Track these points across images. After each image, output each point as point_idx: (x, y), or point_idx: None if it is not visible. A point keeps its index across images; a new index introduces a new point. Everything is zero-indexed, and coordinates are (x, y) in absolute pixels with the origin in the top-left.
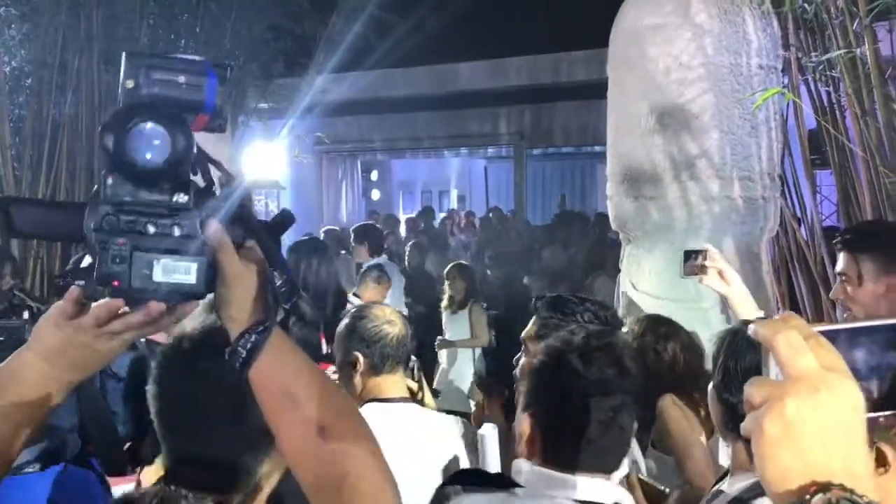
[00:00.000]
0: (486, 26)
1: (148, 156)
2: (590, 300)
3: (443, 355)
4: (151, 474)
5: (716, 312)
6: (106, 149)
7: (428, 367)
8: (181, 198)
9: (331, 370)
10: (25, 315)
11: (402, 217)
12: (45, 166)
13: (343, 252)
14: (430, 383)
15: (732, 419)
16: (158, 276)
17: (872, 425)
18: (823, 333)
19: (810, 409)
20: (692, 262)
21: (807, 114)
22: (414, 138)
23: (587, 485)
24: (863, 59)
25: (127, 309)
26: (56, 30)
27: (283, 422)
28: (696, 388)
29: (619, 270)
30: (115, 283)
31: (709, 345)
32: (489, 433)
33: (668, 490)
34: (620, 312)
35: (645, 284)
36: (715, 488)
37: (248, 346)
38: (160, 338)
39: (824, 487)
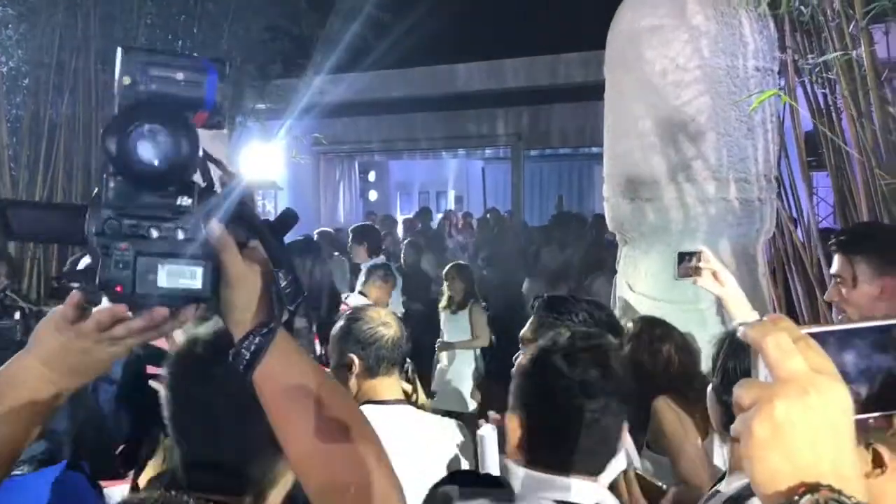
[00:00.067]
0: (484, 28)
1: (151, 160)
2: (585, 300)
3: (443, 355)
4: (147, 476)
5: (712, 314)
6: (108, 152)
7: (423, 366)
8: (185, 200)
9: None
10: (17, 316)
11: (400, 218)
12: (42, 166)
13: (336, 254)
14: (425, 382)
15: (731, 420)
16: (162, 281)
17: (862, 427)
18: (813, 335)
19: (799, 411)
20: (686, 263)
21: (803, 116)
22: (411, 139)
23: (568, 485)
24: (859, 62)
25: (130, 314)
26: (53, 30)
27: (287, 426)
28: (691, 390)
29: (616, 272)
30: (118, 288)
31: (705, 346)
32: (489, 434)
33: (665, 486)
34: (617, 314)
35: (641, 286)
36: (713, 489)
37: (252, 348)
38: (162, 342)
39: (813, 488)
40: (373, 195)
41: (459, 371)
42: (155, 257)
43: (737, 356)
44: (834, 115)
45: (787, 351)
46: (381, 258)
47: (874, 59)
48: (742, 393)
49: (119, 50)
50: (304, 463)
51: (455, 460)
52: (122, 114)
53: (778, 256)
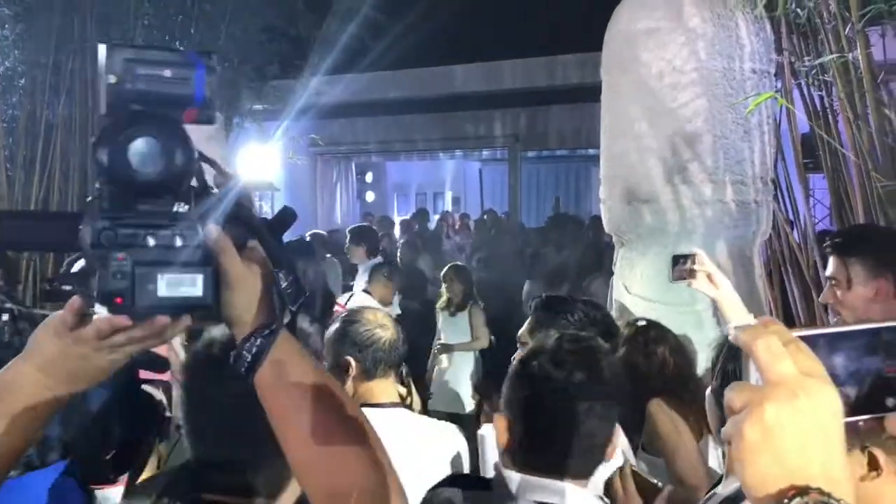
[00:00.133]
0: (481, 29)
1: (147, 171)
2: (581, 300)
3: (442, 357)
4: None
5: (708, 315)
6: (100, 163)
7: (419, 366)
8: (181, 207)
9: None
10: (5, 317)
11: (397, 219)
12: (39, 167)
13: (329, 255)
14: (419, 383)
15: None
16: (163, 290)
17: (852, 429)
18: (803, 339)
19: (789, 415)
20: (681, 266)
21: (800, 118)
22: (409, 140)
23: (552, 488)
24: (855, 64)
25: (130, 323)
26: (50, 30)
27: (289, 430)
28: (685, 392)
29: (613, 273)
30: (118, 300)
31: (702, 347)
32: (489, 434)
33: (661, 484)
34: (613, 315)
35: (638, 287)
36: (711, 492)
37: (254, 350)
38: (162, 349)
39: (802, 491)
40: (370, 196)
41: (457, 372)
42: (154, 266)
43: (736, 359)
44: (830, 117)
45: (778, 354)
46: (379, 259)
47: (870, 61)
48: (733, 396)
49: (101, 47)
50: (306, 467)
51: (452, 464)
52: (113, 123)
53: (774, 258)
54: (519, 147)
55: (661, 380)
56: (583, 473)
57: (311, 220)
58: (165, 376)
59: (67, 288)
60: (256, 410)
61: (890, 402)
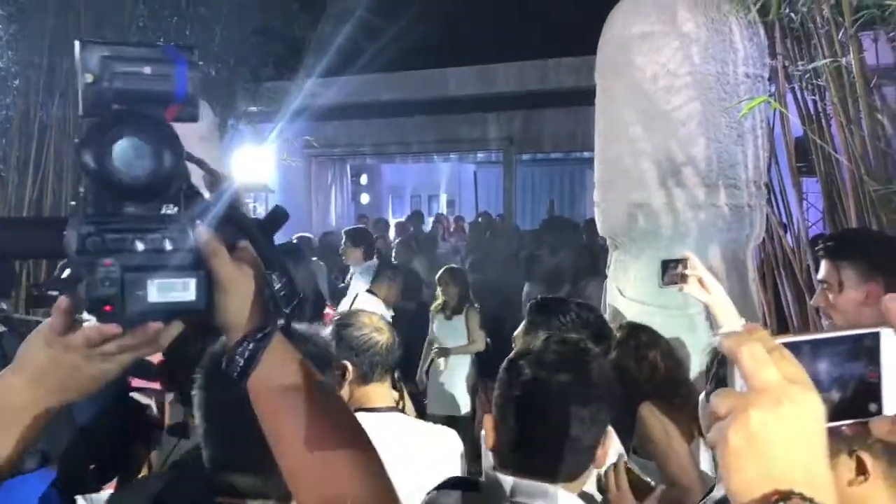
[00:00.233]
0: (476, 32)
1: (133, 174)
2: (575, 302)
3: (439, 360)
4: None
5: (701, 319)
6: (85, 165)
7: (411, 367)
8: (169, 209)
9: None
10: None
11: (392, 221)
12: (32, 168)
13: (315, 258)
14: (410, 383)
15: None
16: (153, 296)
17: (835, 434)
18: (787, 345)
19: (774, 421)
20: (672, 271)
21: (793, 122)
22: (403, 143)
23: (530, 490)
24: (848, 69)
25: (120, 331)
26: (44, 31)
27: (281, 436)
28: (676, 396)
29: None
30: (107, 308)
31: (695, 351)
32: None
33: (654, 483)
34: (607, 318)
35: (631, 291)
36: (705, 498)
37: (246, 354)
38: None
39: (786, 496)
40: (365, 198)
41: (453, 375)
42: (143, 272)
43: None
44: (823, 121)
45: (762, 361)
46: (374, 260)
47: (863, 66)
48: (718, 402)
49: (76, 44)
50: (299, 475)
51: (449, 467)
52: (98, 123)
53: (768, 262)
54: (513, 150)
55: (652, 385)
56: (566, 476)
57: (305, 222)
58: (157, 384)
59: (55, 293)
60: None
61: (872, 406)
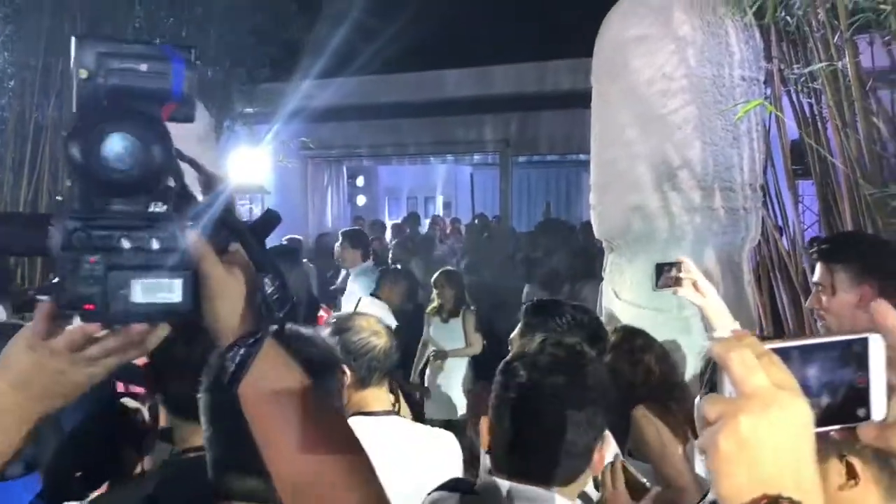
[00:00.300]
0: (472, 34)
1: (121, 167)
2: (570, 304)
3: (436, 363)
4: None
5: (697, 322)
6: (72, 159)
7: (406, 367)
8: (158, 207)
9: None
10: None
11: (388, 223)
12: (28, 169)
13: (305, 260)
14: (406, 382)
15: None
16: (138, 296)
17: (826, 439)
18: (776, 351)
19: (763, 426)
20: (666, 274)
21: (789, 125)
22: (400, 144)
23: (523, 494)
24: (844, 72)
25: (104, 332)
26: (39, 32)
27: (273, 444)
28: (671, 399)
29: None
30: (89, 306)
31: (690, 354)
32: None
33: (649, 484)
34: (603, 321)
35: (627, 293)
36: (702, 502)
37: (237, 359)
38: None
39: (774, 500)
40: (361, 200)
41: (449, 377)
42: (128, 270)
43: None
44: (819, 124)
45: (751, 367)
46: (371, 262)
47: (859, 69)
48: (708, 408)
49: (73, 39)
50: (290, 484)
51: (447, 470)
52: (85, 116)
53: (763, 264)
54: (510, 152)
55: (646, 388)
56: (560, 480)
57: (301, 224)
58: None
59: (43, 298)
60: None
61: (861, 412)
